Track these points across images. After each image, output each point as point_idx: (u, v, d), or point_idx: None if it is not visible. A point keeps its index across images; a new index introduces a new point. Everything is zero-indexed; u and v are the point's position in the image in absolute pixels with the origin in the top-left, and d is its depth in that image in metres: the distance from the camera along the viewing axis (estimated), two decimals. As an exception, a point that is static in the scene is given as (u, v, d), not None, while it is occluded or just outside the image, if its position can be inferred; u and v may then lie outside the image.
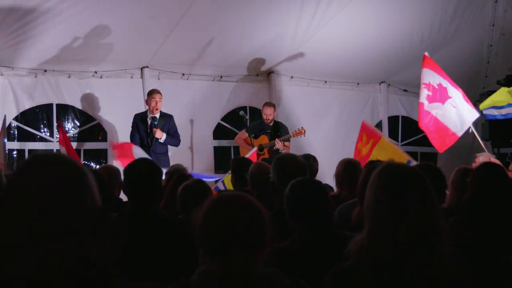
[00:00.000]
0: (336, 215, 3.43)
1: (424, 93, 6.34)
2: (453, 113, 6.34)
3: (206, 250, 1.75)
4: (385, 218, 1.83)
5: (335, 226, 2.69)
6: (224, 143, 8.19)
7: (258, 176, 3.73)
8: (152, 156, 6.52)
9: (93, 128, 7.58)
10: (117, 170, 4.14)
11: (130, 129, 6.81)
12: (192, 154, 7.78)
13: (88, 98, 7.22)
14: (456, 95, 6.34)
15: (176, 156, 7.12)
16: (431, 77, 6.38)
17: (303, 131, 7.07)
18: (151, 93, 6.77)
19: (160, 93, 6.77)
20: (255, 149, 6.74)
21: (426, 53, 6.52)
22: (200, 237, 1.76)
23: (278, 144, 7.02)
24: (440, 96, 6.35)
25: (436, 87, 6.37)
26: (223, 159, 8.03)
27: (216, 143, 7.99)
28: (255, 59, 7.74)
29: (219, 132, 7.95)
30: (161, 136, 6.69)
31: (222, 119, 8.08)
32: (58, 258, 1.25)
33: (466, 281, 1.88)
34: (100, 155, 7.68)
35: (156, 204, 3.02)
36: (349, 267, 1.86)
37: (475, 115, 6.41)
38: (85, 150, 7.48)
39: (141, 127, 6.75)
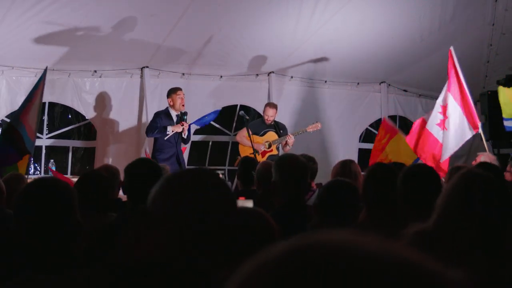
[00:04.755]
0: None
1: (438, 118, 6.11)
2: (446, 135, 6.05)
3: None
4: (456, 213, 1.92)
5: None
6: (202, 138, 8.27)
7: (264, 175, 3.72)
8: (179, 156, 6.57)
9: (83, 127, 7.63)
10: (116, 170, 4.14)
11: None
12: None
13: (86, 98, 7.21)
14: (453, 112, 6.03)
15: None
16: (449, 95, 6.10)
17: (319, 125, 7.20)
18: (177, 90, 6.71)
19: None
20: None
21: (451, 49, 6.14)
22: None
23: (291, 139, 7.05)
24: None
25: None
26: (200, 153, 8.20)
27: (195, 137, 7.97)
28: (255, 59, 7.74)
29: (202, 127, 7.99)
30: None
31: None
32: None
33: None
34: (89, 153, 7.71)
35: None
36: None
37: (467, 135, 6.09)
38: (73, 148, 7.51)
39: (166, 122, 6.59)
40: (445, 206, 1.96)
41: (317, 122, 7.23)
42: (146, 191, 2.81)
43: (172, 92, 6.73)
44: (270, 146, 7.19)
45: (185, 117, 6.69)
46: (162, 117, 6.61)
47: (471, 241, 1.86)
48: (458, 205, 1.92)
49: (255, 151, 6.84)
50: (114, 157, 7.13)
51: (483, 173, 2.04)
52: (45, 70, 5.89)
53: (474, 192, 1.93)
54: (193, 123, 6.84)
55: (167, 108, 6.73)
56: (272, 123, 7.33)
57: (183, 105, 6.71)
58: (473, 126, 6.04)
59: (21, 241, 1.89)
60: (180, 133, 6.60)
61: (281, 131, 7.24)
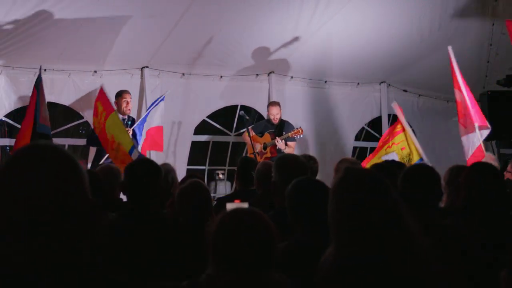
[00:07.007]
0: None
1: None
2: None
3: (215, 262, 1.77)
4: (349, 228, 1.83)
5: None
6: (203, 138, 8.23)
7: (264, 175, 3.73)
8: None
9: (79, 125, 7.73)
10: (117, 170, 4.14)
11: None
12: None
13: (85, 97, 7.21)
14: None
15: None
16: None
17: (300, 131, 7.05)
18: (122, 93, 6.66)
19: (130, 93, 6.72)
20: None
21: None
22: (211, 248, 1.79)
23: (279, 143, 7.00)
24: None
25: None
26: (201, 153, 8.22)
27: (196, 138, 7.97)
28: (255, 59, 7.73)
29: (203, 128, 7.96)
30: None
31: (208, 116, 8.03)
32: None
33: (444, 282, 1.87)
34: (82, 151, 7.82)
35: (156, 204, 3.01)
36: (320, 280, 1.86)
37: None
38: (69, 146, 7.53)
39: None
40: (338, 227, 1.88)
41: (299, 127, 7.07)
42: (146, 191, 2.83)
43: (118, 95, 6.68)
44: (265, 148, 7.21)
45: (129, 123, 6.64)
46: None
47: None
48: (351, 224, 1.84)
49: (255, 153, 6.83)
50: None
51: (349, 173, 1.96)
52: (40, 69, 6.00)
53: (355, 195, 1.86)
54: (136, 126, 6.66)
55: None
56: (278, 122, 7.29)
57: (129, 109, 6.65)
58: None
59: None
60: None
61: (284, 133, 7.18)
